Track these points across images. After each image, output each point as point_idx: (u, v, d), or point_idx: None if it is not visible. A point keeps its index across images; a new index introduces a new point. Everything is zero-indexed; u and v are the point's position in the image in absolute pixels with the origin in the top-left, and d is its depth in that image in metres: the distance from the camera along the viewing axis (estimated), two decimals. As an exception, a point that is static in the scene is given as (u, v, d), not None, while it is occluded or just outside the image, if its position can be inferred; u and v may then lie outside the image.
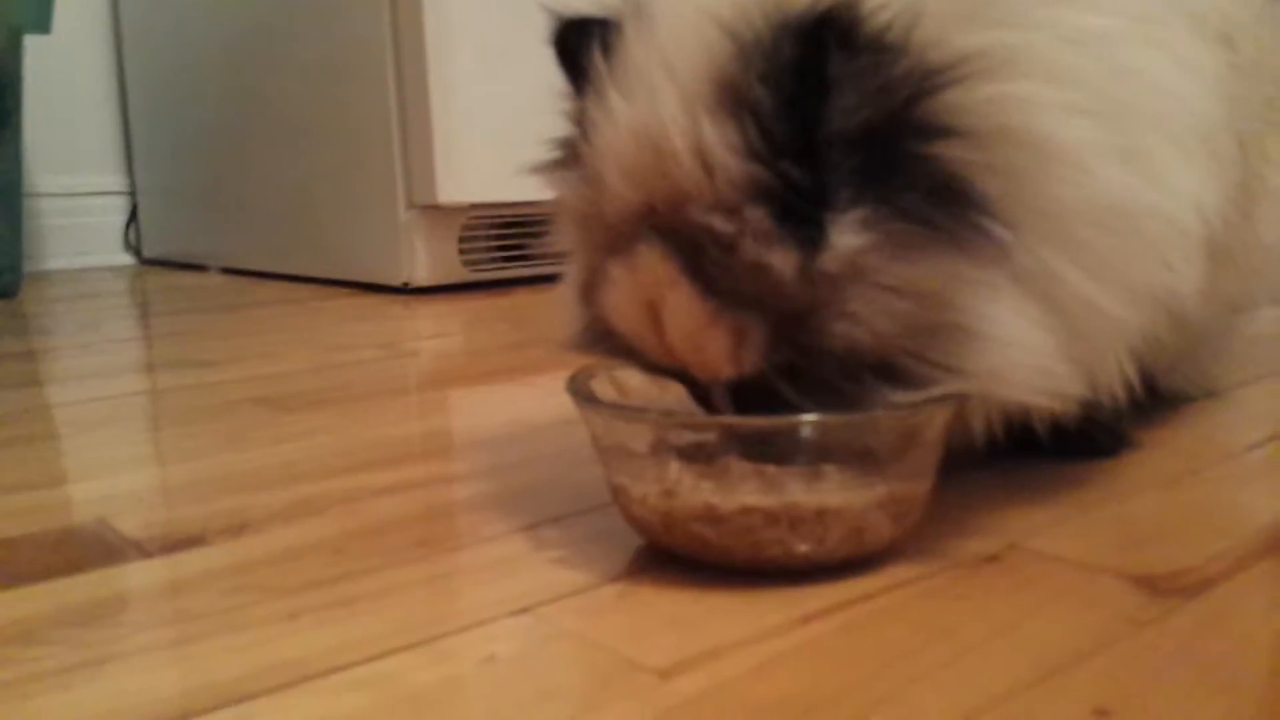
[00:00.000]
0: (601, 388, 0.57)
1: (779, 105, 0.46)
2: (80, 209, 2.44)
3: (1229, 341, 0.82)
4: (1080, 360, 0.50)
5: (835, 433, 0.49)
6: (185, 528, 0.60)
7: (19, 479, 0.73)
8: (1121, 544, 0.54)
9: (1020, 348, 0.47)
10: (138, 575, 0.54)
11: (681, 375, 0.53)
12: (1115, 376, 0.54)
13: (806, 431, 0.49)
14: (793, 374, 0.48)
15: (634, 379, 0.58)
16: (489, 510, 0.62)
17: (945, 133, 0.45)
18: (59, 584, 0.53)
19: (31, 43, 1.86)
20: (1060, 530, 0.55)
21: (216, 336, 1.37)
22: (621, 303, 0.51)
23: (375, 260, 1.73)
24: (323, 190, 1.84)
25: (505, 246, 1.75)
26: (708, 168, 0.47)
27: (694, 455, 0.50)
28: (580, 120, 0.53)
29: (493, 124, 1.61)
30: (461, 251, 1.72)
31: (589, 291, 0.54)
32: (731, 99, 0.47)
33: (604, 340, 0.55)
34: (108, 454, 0.81)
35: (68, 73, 2.39)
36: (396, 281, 1.70)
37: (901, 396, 0.47)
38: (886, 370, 0.47)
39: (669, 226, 0.48)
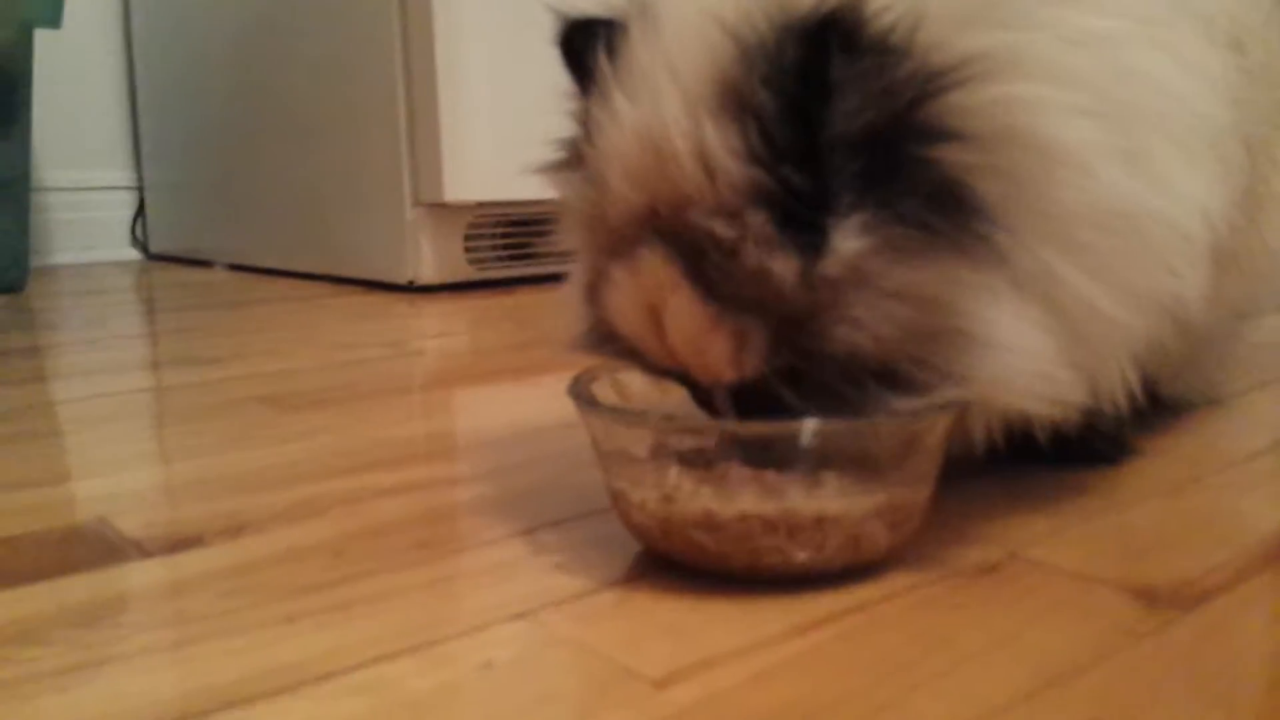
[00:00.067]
0: (603, 391, 0.57)
1: (781, 109, 0.46)
2: (88, 204, 2.45)
3: (1233, 347, 0.82)
4: (1082, 366, 0.49)
5: (835, 439, 0.49)
6: (186, 528, 0.60)
7: (22, 476, 0.73)
8: (1121, 554, 0.54)
9: (1021, 353, 0.47)
10: (138, 575, 0.54)
11: (683, 378, 0.53)
12: (1117, 383, 0.54)
13: (807, 437, 0.49)
14: (794, 378, 0.48)
15: (636, 382, 0.58)
16: (489, 513, 0.62)
17: (948, 136, 0.45)
18: (59, 583, 0.53)
19: (41, 37, 1.87)
20: (1060, 539, 0.55)
21: (222, 333, 1.37)
22: (623, 305, 0.51)
23: (381, 258, 1.73)
24: (329, 188, 1.84)
25: (511, 245, 1.75)
26: (709, 171, 0.47)
27: (694, 461, 0.50)
28: (584, 121, 0.53)
29: (499, 122, 1.61)
30: (467, 250, 1.72)
31: (592, 293, 0.54)
32: (734, 102, 0.46)
33: (608, 342, 0.55)
34: (111, 452, 0.81)
35: (77, 67, 2.40)
36: (402, 279, 1.70)
37: (903, 402, 0.47)
38: (888, 375, 0.47)
39: (671, 230, 0.48)
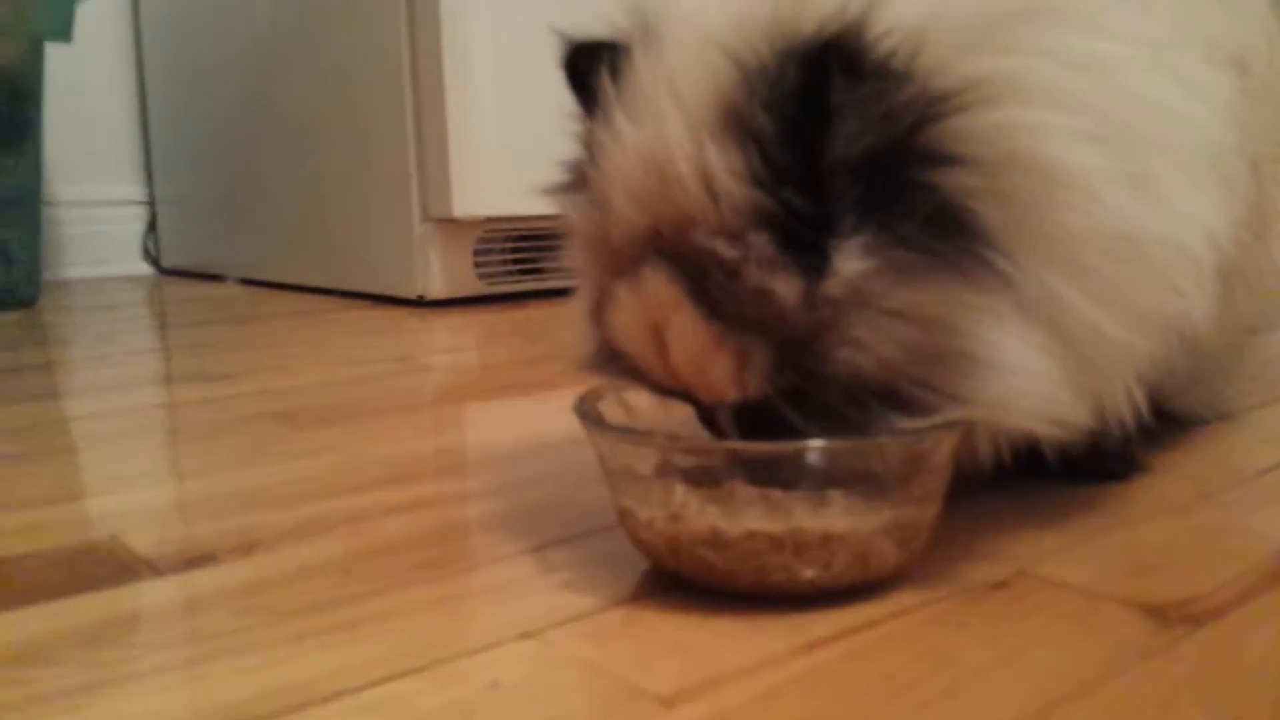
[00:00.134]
0: (609, 409, 0.57)
1: (783, 132, 0.46)
2: (99, 218, 2.46)
3: (1242, 364, 0.81)
4: (1087, 388, 0.50)
5: (842, 458, 0.49)
6: (197, 546, 0.60)
7: (34, 494, 0.73)
8: (1130, 571, 0.54)
9: (1024, 376, 0.47)
10: (150, 594, 0.54)
11: (686, 398, 0.53)
12: (1124, 402, 0.54)
13: (813, 457, 0.49)
14: (797, 398, 0.48)
15: (642, 400, 0.59)
16: (497, 530, 0.62)
17: (949, 160, 0.45)
18: (71, 602, 0.53)
19: (52, 51, 1.88)
20: (1068, 556, 0.55)
21: (233, 349, 1.37)
22: (627, 325, 0.51)
23: (390, 273, 1.74)
24: (339, 203, 1.85)
25: (520, 260, 1.76)
26: (712, 193, 0.47)
27: (700, 479, 0.51)
28: (588, 143, 0.54)
29: (508, 138, 1.61)
30: (476, 264, 1.72)
31: (597, 313, 0.54)
32: (736, 125, 0.47)
33: (613, 361, 0.55)
34: (123, 469, 0.81)
35: (88, 82, 2.41)
36: (411, 294, 1.70)
37: (905, 423, 0.48)
38: (890, 396, 0.47)
39: (674, 250, 0.48)
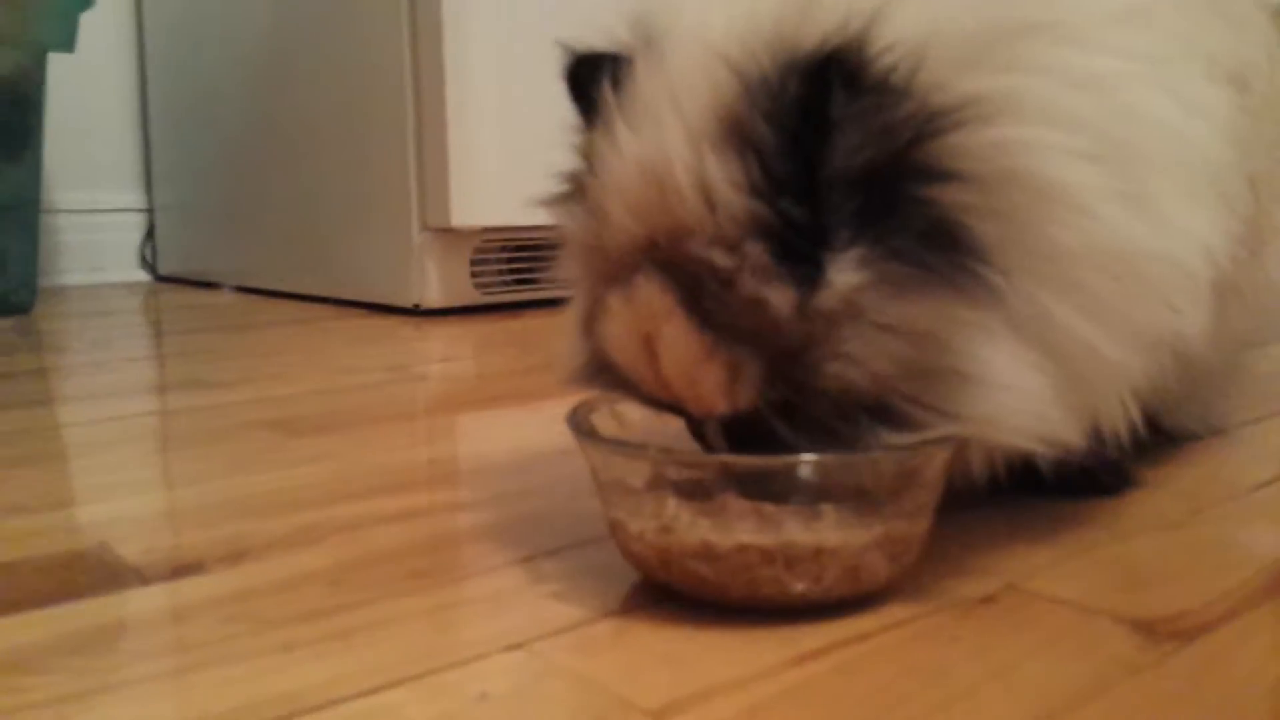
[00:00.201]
0: (602, 421, 0.57)
1: (782, 143, 0.46)
2: (97, 225, 2.46)
3: (1236, 379, 0.81)
4: (1080, 405, 0.50)
5: (834, 472, 0.49)
6: (187, 554, 0.60)
7: (24, 500, 0.73)
8: (1121, 586, 0.54)
9: (1016, 393, 0.47)
10: (138, 602, 0.54)
11: (677, 409, 0.53)
12: (1118, 418, 0.54)
13: (805, 470, 0.49)
14: (787, 412, 0.48)
15: (635, 412, 0.58)
16: (488, 541, 0.62)
17: (946, 175, 0.45)
18: (58, 610, 0.53)
19: (54, 60, 1.88)
20: (1059, 571, 0.55)
21: (228, 356, 1.37)
22: (619, 334, 0.51)
23: (387, 281, 1.74)
24: (337, 211, 1.85)
25: (517, 269, 1.76)
26: (710, 202, 0.47)
27: (692, 492, 0.50)
28: (587, 154, 0.54)
29: (507, 148, 1.62)
30: (473, 274, 1.72)
31: (590, 323, 0.54)
32: (736, 136, 0.47)
33: (604, 372, 0.55)
34: (114, 476, 0.81)
35: (90, 90, 2.41)
36: (408, 303, 1.70)
37: (895, 438, 0.48)
38: (881, 411, 0.47)
39: (668, 260, 0.48)
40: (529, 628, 0.49)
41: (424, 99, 1.63)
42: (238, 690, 0.44)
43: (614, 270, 0.51)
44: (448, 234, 1.67)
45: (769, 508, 0.48)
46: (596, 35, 0.55)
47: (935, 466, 0.50)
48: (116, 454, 0.89)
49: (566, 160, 0.57)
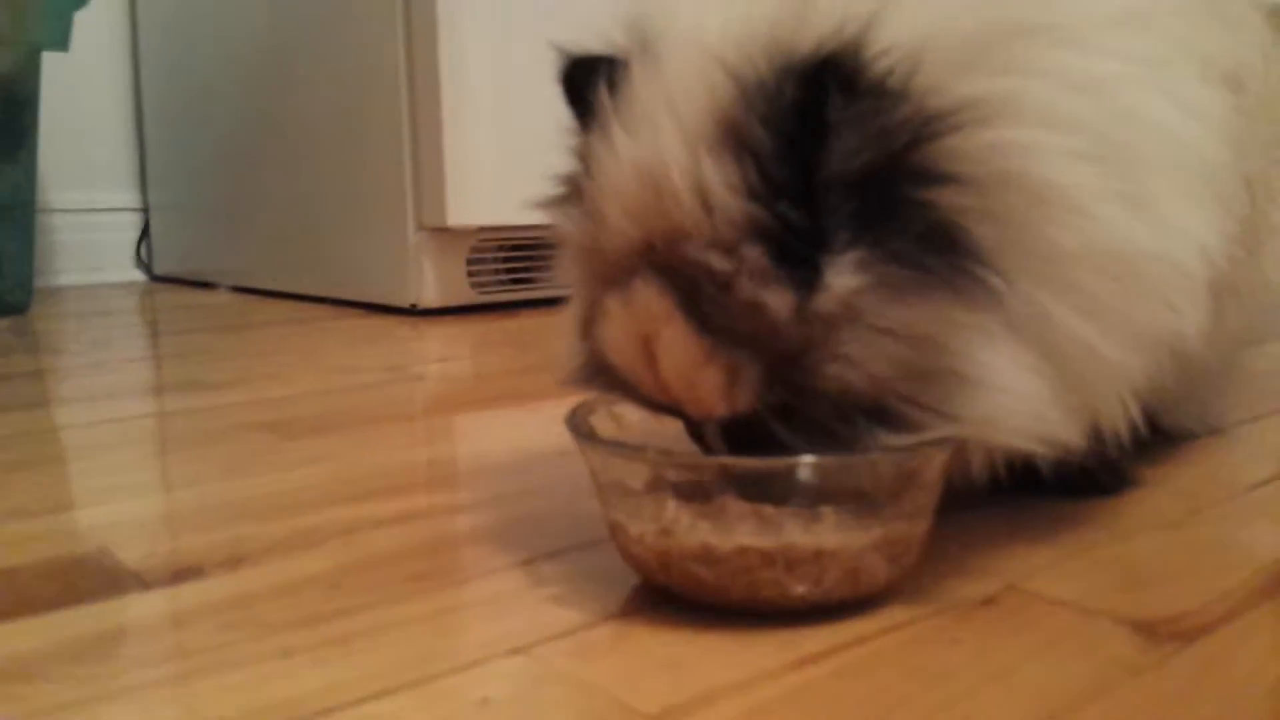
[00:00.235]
0: (601, 423, 0.57)
1: (779, 147, 0.46)
2: (93, 225, 2.45)
3: (1234, 377, 0.82)
4: (1079, 405, 0.50)
5: (834, 474, 0.49)
6: (186, 558, 0.60)
7: (23, 504, 0.73)
8: (1121, 586, 0.54)
9: (1014, 394, 0.47)
10: (137, 607, 0.54)
11: (675, 412, 0.53)
12: (1118, 418, 0.54)
13: (805, 472, 0.49)
14: (786, 414, 0.48)
15: (634, 414, 0.58)
16: (487, 544, 0.62)
17: (943, 178, 0.45)
18: (58, 616, 0.53)
19: (49, 60, 1.88)
20: (1059, 571, 0.55)
21: (225, 357, 1.37)
22: (617, 337, 0.51)
23: (384, 281, 1.74)
24: (333, 211, 1.85)
25: (513, 269, 1.76)
26: (707, 206, 0.47)
27: (691, 494, 0.50)
28: (584, 156, 0.54)
29: (503, 147, 1.62)
30: (470, 273, 1.72)
31: (588, 326, 0.54)
32: (733, 139, 0.47)
33: (602, 375, 0.55)
34: (113, 480, 0.81)
35: (84, 89, 2.41)
36: (404, 303, 1.70)
37: (894, 439, 0.48)
38: (879, 413, 0.47)
39: (666, 263, 0.48)
40: (529, 632, 0.49)
41: (419, 98, 1.63)
42: (238, 697, 0.43)
43: (612, 273, 0.51)
44: (444, 233, 1.67)
45: (769, 510, 0.48)
46: (592, 38, 0.55)
47: (934, 468, 0.50)
48: (114, 457, 0.89)
49: (563, 162, 0.57)
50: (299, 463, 0.82)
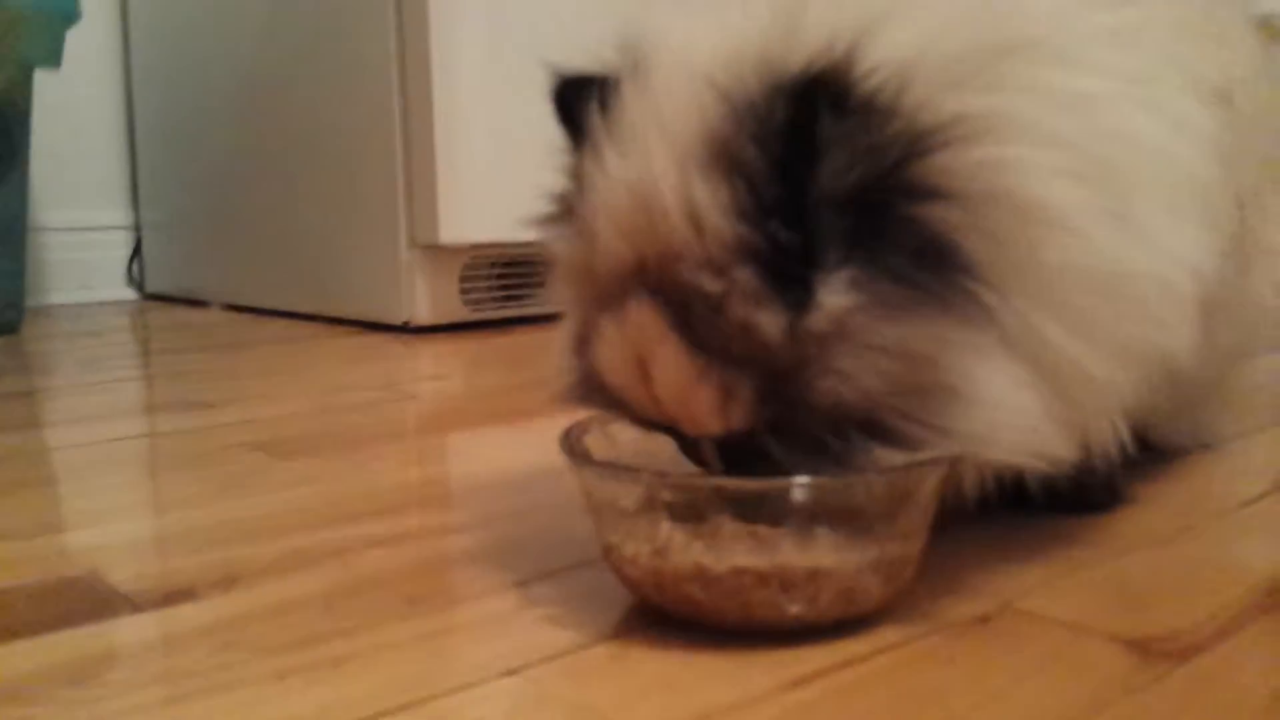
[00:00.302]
0: (595, 443, 0.57)
1: (770, 166, 0.46)
2: (84, 244, 2.45)
3: (1225, 394, 0.82)
4: (1070, 421, 0.50)
5: (828, 494, 0.49)
6: (177, 580, 0.60)
7: (13, 526, 0.73)
8: (1114, 605, 0.54)
9: (1007, 410, 0.47)
10: (128, 630, 0.54)
11: (670, 430, 0.53)
12: (1108, 434, 0.54)
13: (799, 493, 0.49)
14: (780, 431, 0.48)
15: (627, 433, 0.58)
16: (481, 564, 0.62)
17: (934, 195, 0.46)
18: (49, 639, 0.52)
19: (40, 78, 1.88)
20: (1052, 590, 0.55)
21: (217, 376, 1.37)
22: (611, 357, 0.51)
23: (377, 299, 1.74)
24: (325, 229, 1.85)
25: (506, 286, 1.76)
26: (698, 227, 0.47)
27: (686, 515, 0.50)
28: (575, 175, 0.54)
29: (495, 164, 1.62)
30: (463, 291, 1.72)
31: (582, 345, 0.54)
32: (723, 159, 0.47)
33: (597, 393, 0.55)
34: (104, 501, 0.81)
35: (75, 108, 2.40)
36: (397, 320, 1.70)
37: (888, 456, 0.48)
38: (874, 429, 0.47)
39: (659, 283, 0.48)
40: (524, 653, 0.49)
41: (412, 114, 1.63)
42: (231, 720, 0.43)
43: (605, 293, 0.51)
44: (436, 251, 1.67)
45: (763, 530, 0.48)
46: (584, 57, 0.55)
47: (928, 487, 0.50)
48: (106, 478, 0.88)
49: (555, 181, 0.57)
50: (291, 483, 0.82)
